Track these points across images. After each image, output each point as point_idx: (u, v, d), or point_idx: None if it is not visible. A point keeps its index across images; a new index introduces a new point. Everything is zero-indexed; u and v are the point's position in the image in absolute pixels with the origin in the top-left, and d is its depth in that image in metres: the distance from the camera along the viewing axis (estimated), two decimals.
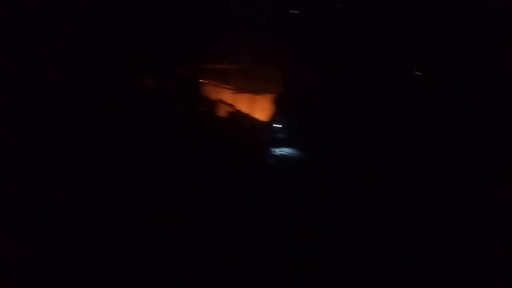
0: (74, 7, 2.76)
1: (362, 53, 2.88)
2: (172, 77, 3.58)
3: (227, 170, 3.08)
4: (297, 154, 3.19)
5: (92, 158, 2.70)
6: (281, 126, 3.36)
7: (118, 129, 2.89)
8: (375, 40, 2.83)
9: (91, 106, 2.80)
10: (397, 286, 2.41)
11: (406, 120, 2.75)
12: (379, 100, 2.85)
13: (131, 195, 2.66)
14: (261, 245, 2.57)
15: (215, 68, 3.85)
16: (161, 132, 3.16)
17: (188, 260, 2.46)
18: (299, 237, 2.61)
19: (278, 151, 3.26)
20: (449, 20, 2.65)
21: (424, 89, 2.71)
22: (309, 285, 2.38)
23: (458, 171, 2.56)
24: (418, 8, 2.69)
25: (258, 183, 2.97)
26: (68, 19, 2.77)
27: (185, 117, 3.52)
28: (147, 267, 2.38)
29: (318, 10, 3.09)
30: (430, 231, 2.47)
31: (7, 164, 2.40)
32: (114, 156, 2.77)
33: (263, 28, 3.32)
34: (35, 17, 2.64)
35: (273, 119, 3.41)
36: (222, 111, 3.80)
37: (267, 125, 3.48)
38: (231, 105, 3.89)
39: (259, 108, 3.66)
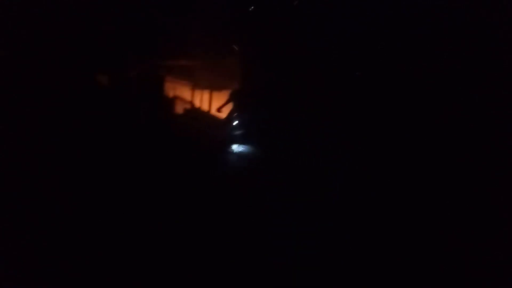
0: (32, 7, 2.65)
1: (324, 46, 2.88)
2: (128, 74, 3.47)
3: (184, 168, 3.00)
4: (256, 151, 3.15)
5: (50, 158, 2.60)
6: (239, 122, 3.31)
7: (73, 128, 2.78)
8: (337, 33, 2.83)
9: (47, 106, 2.73)
10: (397, 286, 2.40)
11: (366, 116, 2.78)
12: (341, 95, 2.87)
13: (89, 195, 2.58)
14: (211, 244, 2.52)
15: (171, 64, 3.75)
16: (118, 130, 3.04)
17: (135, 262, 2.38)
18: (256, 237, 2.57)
19: (237, 148, 3.21)
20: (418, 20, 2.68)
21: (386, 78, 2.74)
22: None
23: (453, 170, 2.57)
24: None
25: (216, 180, 2.90)
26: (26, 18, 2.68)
27: (142, 115, 3.42)
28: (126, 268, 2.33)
29: (277, 4, 3.07)
30: (428, 231, 2.48)
31: None
32: (70, 156, 2.67)
33: (222, 23, 3.27)
34: None
35: (231, 116, 3.36)
36: (179, 108, 3.71)
37: (225, 121, 3.42)
38: (189, 102, 3.81)
39: (217, 105, 3.60)
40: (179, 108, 3.74)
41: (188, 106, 3.79)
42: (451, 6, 2.57)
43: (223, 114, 3.46)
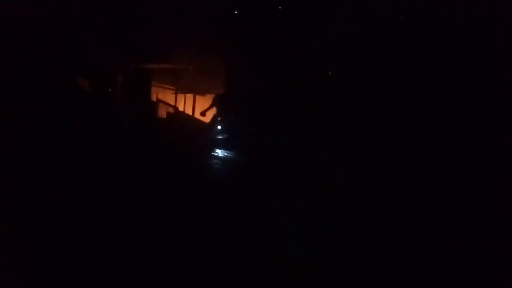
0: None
1: (307, 51, 2.90)
2: (112, 77, 3.44)
3: (168, 170, 2.98)
4: (240, 154, 3.15)
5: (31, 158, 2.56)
6: (224, 125, 3.31)
7: (56, 130, 2.73)
8: (322, 37, 2.85)
9: (30, 107, 2.65)
10: (397, 286, 2.38)
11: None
12: (329, 96, 2.88)
13: (68, 196, 2.53)
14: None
15: (157, 68, 3.74)
16: (102, 133, 3.02)
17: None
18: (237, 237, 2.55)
19: (220, 151, 3.20)
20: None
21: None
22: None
23: (452, 170, 2.57)
24: None
25: (199, 183, 2.89)
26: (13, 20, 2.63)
27: (125, 118, 3.39)
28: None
29: (263, 10, 3.08)
30: (428, 231, 2.46)
31: None
32: (50, 156, 2.63)
33: (207, 27, 3.27)
34: None
35: (216, 119, 3.35)
36: (163, 111, 3.69)
37: (209, 125, 3.41)
38: (172, 105, 3.79)
39: (201, 108, 3.59)
40: (163, 112, 3.72)
41: (171, 110, 3.77)
42: (451, 6, 2.57)
43: (207, 118, 3.45)
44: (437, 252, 2.47)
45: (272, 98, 3.01)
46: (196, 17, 3.23)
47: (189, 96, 3.88)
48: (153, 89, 3.74)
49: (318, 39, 2.89)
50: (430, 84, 2.72)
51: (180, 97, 3.87)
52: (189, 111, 3.84)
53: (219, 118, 3.34)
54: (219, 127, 3.34)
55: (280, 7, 3.05)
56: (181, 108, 3.84)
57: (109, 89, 3.47)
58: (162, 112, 3.70)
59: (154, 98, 3.69)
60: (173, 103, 3.84)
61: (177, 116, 3.74)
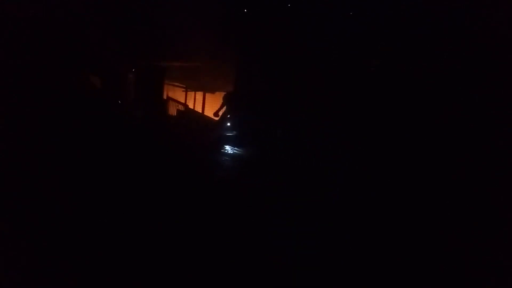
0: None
1: (315, 50, 2.92)
2: (123, 75, 3.48)
3: (175, 168, 3.01)
4: (250, 152, 3.18)
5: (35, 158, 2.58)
6: (233, 122, 3.34)
7: (62, 129, 2.77)
8: (327, 37, 2.87)
9: (33, 106, 2.69)
10: (397, 286, 2.38)
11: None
12: (336, 96, 2.89)
13: (76, 195, 2.55)
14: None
15: (168, 66, 3.78)
16: (112, 131, 3.05)
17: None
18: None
19: (230, 148, 3.24)
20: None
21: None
22: None
23: (452, 170, 2.58)
24: None
25: (208, 181, 2.92)
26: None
27: (136, 116, 3.43)
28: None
29: (273, 9, 3.11)
30: (428, 231, 2.46)
31: None
32: (55, 156, 2.65)
33: (216, 27, 3.30)
34: None
35: (225, 116, 3.38)
36: (174, 109, 3.73)
37: (218, 123, 3.45)
38: (183, 103, 3.83)
39: (211, 106, 3.63)
40: (173, 110, 3.76)
41: (181, 107, 3.81)
42: (451, 6, 2.59)
43: (217, 115, 3.48)
44: (437, 252, 2.46)
45: (281, 96, 3.03)
46: (206, 17, 3.27)
47: (199, 94, 3.92)
48: (164, 87, 3.79)
49: (328, 39, 2.91)
50: (430, 84, 2.71)
51: (190, 94, 3.91)
52: (198, 109, 3.87)
53: (229, 116, 3.38)
54: (228, 124, 3.37)
55: (289, 5, 3.07)
56: (191, 106, 3.88)
57: (122, 87, 3.52)
58: (173, 110, 3.74)
59: (164, 96, 3.74)
60: (183, 101, 3.88)
61: (187, 113, 3.78)
